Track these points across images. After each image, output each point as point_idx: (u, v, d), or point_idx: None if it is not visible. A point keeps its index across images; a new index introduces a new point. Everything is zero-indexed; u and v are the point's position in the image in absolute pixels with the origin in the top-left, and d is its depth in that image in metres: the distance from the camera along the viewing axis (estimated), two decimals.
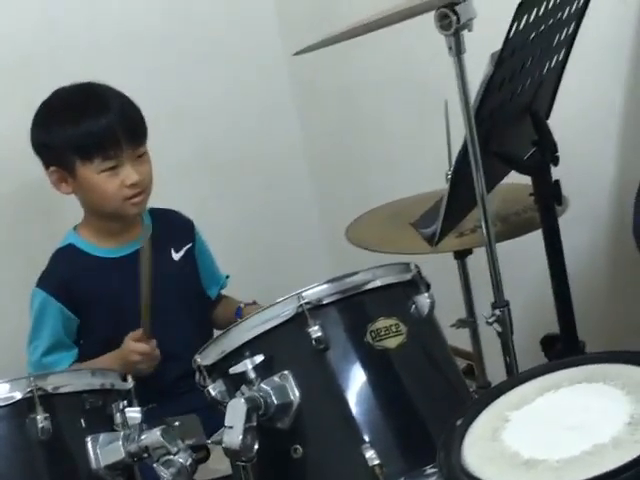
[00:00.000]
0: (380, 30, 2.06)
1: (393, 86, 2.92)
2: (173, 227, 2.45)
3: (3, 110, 2.74)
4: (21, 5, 2.75)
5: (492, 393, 1.57)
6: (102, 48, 2.84)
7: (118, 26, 2.89)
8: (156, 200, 2.41)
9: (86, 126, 2.26)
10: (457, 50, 1.82)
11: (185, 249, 2.43)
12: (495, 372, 2.33)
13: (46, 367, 2.27)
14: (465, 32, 1.83)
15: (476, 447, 1.46)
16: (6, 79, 2.74)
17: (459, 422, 1.51)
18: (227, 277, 2.54)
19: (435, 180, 2.33)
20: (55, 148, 2.29)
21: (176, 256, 2.41)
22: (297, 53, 2.02)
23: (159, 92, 2.79)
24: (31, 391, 1.66)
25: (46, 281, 2.33)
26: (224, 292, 2.54)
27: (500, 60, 1.87)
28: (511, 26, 1.83)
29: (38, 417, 1.65)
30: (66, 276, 2.33)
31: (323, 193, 3.18)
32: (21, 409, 1.66)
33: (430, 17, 1.93)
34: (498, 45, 1.88)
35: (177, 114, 2.90)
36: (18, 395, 1.66)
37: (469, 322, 2.40)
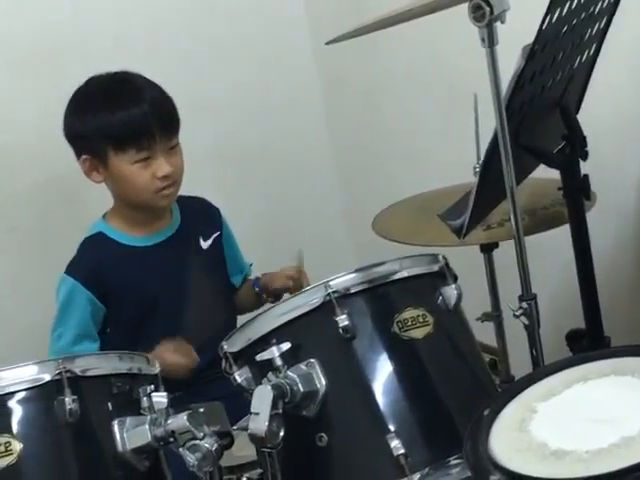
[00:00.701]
0: (408, 23, 2.06)
1: (420, 79, 2.92)
2: (201, 215, 2.45)
3: (31, 101, 2.75)
4: None
5: (520, 384, 1.57)
6: (129, 39, 2.85)
7: (145, 17, 2.89)
8: (184, 189, 2.42)
9: (120, 116, 2.26)
10: (490, 42, 1.81)
11: (213, 237, 2.43)
12: (519, 367, 2.33)
13: None
14: (497, 24, 1.83)
15: (503, 437, 1.46)
16: (35, 70, 2.76)
17: (486, 412, 1.51)
18: (251, 265, 2.55)
19: (461, 174, 2.33)
20: (88, 137, 2.29)
21: (204, 245, 2.42)
22: (329, 42, 2.02)
23: (186, 83, 2.79)
24: (59, 373, 1.66)
25: (75, 268, 2.32)
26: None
27: (532, 53, 1.87)
28: (544, 19, 1.83)
29: (66, 399, 1.65)
30: (95, 264, 2.33)
31: (349, 184, 3.18)
32: (49, 391, 1.66)
33: (459, 10, 1.93)
34: (529, 38, 1.88)
35: (204, 104, 2.90)
36: (47, 377, 1.67)
37: (494, 316, 2.40)
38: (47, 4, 2.76)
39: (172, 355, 2.22)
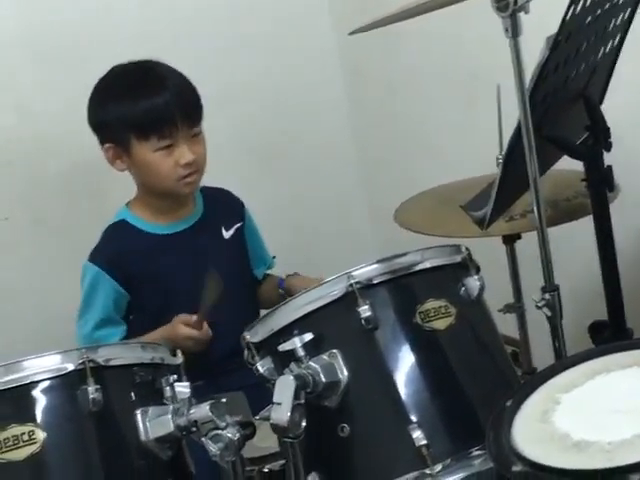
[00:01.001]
0: (430, 14, 2.06)
1: (443, 70, 2.91)
2: (224, 206, 2.46)
3: (55, 92, 2.78)
4: None
5: (542, 375, 1.57)
6: (152, 30, 2.87)
7: (168, 9, 2.91)
8: (205, 180, 2.42)
9: (143, 104, 2.27)
10: (513, 32, 1.81)
11: (235, 228, 2.44)
12: (540, 359, 2.33)
13: (96, 341, 2.29)
14: (521, 14, 1.82)
15: (526, 428, 1.46)
16: (58, 61, 2.78)
17: (509, 403, 1.51)
18: (274, 258, 2.55)
19: (483, 165, 2.33)
20: (111, 125, 2.30)
21: (226, 234, 2.43)
22: (352, 33, 2.02)
23: (209, 74, 2.80)
24: (83, 363, 1.67)
25: (98, 256, 2.34)
26: (270, 272, 2.56)
27: (555, 44, 1.86)
28: (568, 9, 1.83)
29: (89, 388, 1.66)
30: (117, 251, 2.34)
31: (371, 176, 3.18)
32: (73, 380, 1.67)
33: (482, 0, 1.93)
34: (553, 29, 1.87)
35: (227, 96, 2.91)
36: (70, 366, 1.67)
37: (516, 307, 2.40)
38: None
39: (185, 328, 2.23)
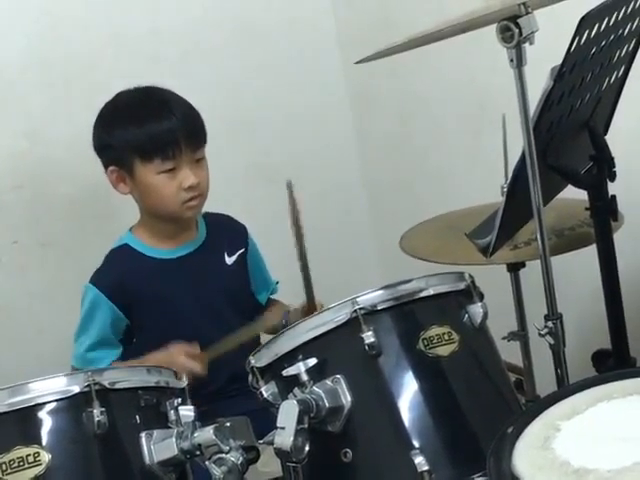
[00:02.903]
0: (438, 43, 2.08)
1: (449, 99, 2.94)
2: (227, 232, 2.47)
3: (64, 115, 2.80)
4: (85, 15, 2.81)
5: (544, 402, 1.57)
6: (162, 57, 2.89)
7: (178, 36, 2.93)
8: (210, 206, 2.44)
9: (148, 128, 2.28)
10: (518, 62, 1.83)
11: (238, 254, 2.45)
12: (544, 387, 2.33)
13: (89, 362, 2.30)
14: (526, 45, 1.84)
15: (526, 455, 1.46)
16: (68, 87, 2.80)
17: (510, 430, 1.51)
18: (277, 283, 2.56)
19: (488, 193, 2.34)
20: (115, 148, 2.32)
21: (229, 260, 2.43)
22: (359, 62, 2.04)
23: (216, 101, 2.83)
24: (89, 385, 1.68)
25: (100, 278, 2.35)
26: (274, 297, 2.56)
27: (560, 74, 1.88)
28: (572, 40, 1.84)
29: (95, 411, 1.66)
30: (119, 275, 2.36)
31: (377, 202, 3.19)
32: (79, 403, 1.68)
33: (488, 31, 1.95)
34: (558, 59, 1.89)
35: (233, 122, 2.93)
36: (76, 389, 1.68)
37: (520, 335, 2.41)
38: (81, 23, 2.81)
39: (185, 358, 2.22)
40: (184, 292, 2.36)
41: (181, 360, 2.22)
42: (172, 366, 2.11)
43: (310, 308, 2.19)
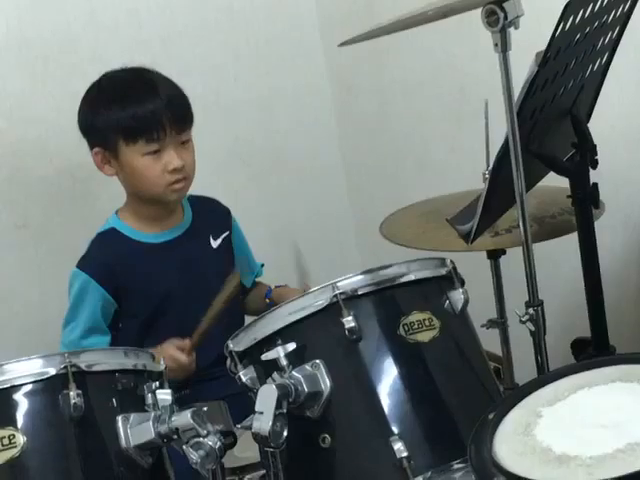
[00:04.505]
0: (420, 27, 2.07)
1: (430, 85, 2.92)
2: (211, 215, 2.46)
3: (42, 95, 2.77)
4: None
5: (525, 389, 1.57)
6: (143, 38, 2.87)
7: (157, 17, 2.91)
8: (190, 190, 2.42)
9: (133, 108, 2.27)
10: (503, 47, 1.82)
11: (223, 237, 2.45)
12: (522, 375, 2.33)
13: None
14: (511, 30, 1.83)
15: (508, 441, 1.46)
16: (46, 66, 2.77)
17: (491, 416, 1.51)
18: (262, 266, 2.55)
19: (470, 180, 2.34)
20: (100, 129, 2.31)
21: (214, 243, 2.43)
22: (342, 44, 2.02)
23: (195, 83, 2.80)
24: (65, 367, 1.67)
25: (87, 263, 2.34)
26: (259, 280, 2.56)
27: (544, 60, 1.87)
28: (557, 26, 1.83)
29: (71, 393, 1.65)
30: (107, 260, 2.34)
31: (357, 188, 3.19)
32: (55, 385, 1.67)
33: (470, 15, 1.94)
34: (542, 45, 1.88)
35: (213, 105, 2.91)
36: (52, 371, 1.67)
37: (499, 322, 2.40)
38: (60, 3, 2.78)
39: (175, 350, 2.23)
40: (171, 276, 2.36)
41: (171, 351, 2.22)
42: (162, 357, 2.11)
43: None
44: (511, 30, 1.83)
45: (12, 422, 1.64)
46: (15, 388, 1.66)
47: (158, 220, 2.38)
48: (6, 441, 1.62)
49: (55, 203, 2.81)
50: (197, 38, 2.96)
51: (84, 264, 2.34)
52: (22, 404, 1.66)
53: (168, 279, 2.34)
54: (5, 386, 1.66)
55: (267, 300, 2.43)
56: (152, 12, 2.90)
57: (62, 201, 2.80)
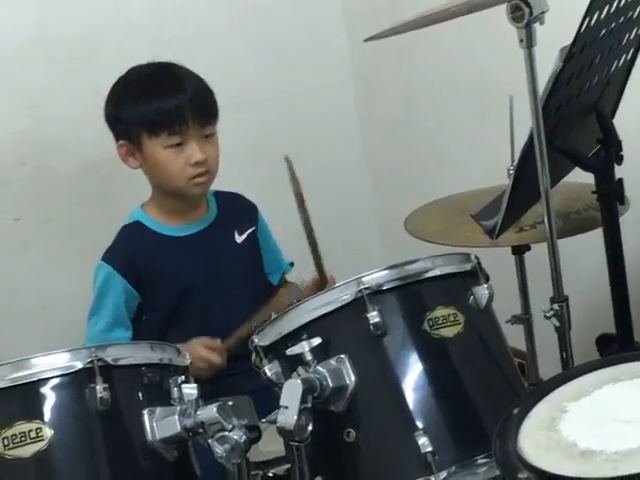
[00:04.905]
0: (444, 23, 2.07)
1: (454, 81, 2.93)
2: (237, 210, 2.46)
3: (67, 93, 2.79)
4: None
5: (550, 384, 1.57)
6: (168, 35, 2.89)
7: (182, 15, 2.93)
8: (213, 187, 2.43)
9: (157, 103, 2.28)
10: (528, 43, 1.82)
11: (248, 232, 2.45)
12: (547, 371, 2.33)
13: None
14: (536, 25, 1.83)
15: (532, 436, 1.46)
16: (72, 64, 2.79)
17: (516, 411, 1.51)
18: (291, 264, 2.54)
19: (494, 176, 2.33)
20: (125, 121, 2.32)
21: (239, 239, 2.43)
22: (367, 39, 2.03)
23: (223, 82, 2.81)
24: (91, 361, 1.67)
25: (112, 256, 2.35)
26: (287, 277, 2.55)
27: (570, 55, 1.87)
28: (582, 21, 1.83)
29: (97, 387, 1.66)
30: (131, 252, 2.35)
31: (381, 184, 3.19)
32: (81, 379, 1.67)
33: (493, 12, 1.94)
34: (567, 40, 1.88)
35: (237, 102, 2.91)
36: (79, 365, 1.67)
37: (524, 318, 2.40)
38: (85, 1, 2.80)
39: (205, 350, 2.23)
40: (195, 270, 2.36)
41: (201, 352, 2.22)
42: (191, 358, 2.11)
43: (322, 280, 2.19)
44: (536, 26, 1.83)
45: (39, 415, 1.64)
46: (42, 382, 1.66)
47: (182, 214, 2.39)
48: (33, 434, 1.63)
49: (80, 199, 2.83)
50: (221, 35, 2.97)
51: (108, 256, 2.35)
52: (49, 398, 1.66)
53: (191, 273, 2.35)
54: (32, 380, 1.66)
55: (294, 301, 2.41)
56: (177, 9, 2.91)
57: (87, 197, 2.82)
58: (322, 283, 2.24)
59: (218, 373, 2.27)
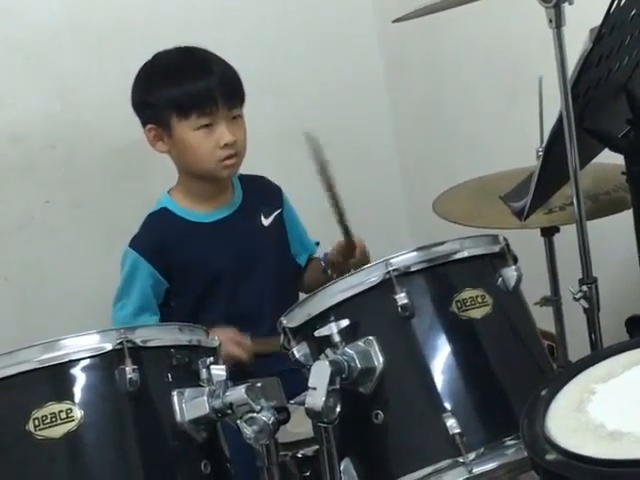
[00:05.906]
0: (472, 5, 2.06)
1: (483, 62, 2.92)
2: (262, 193, 2.47)
3: (97, 77, 2.81)
4: None
5: (579, 365, 1.56)
6: (197, 17, 2.89)
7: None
8: (242, 171, 2.44)
9: (187, 86, 2.29)
10: (557, 23, 1.81)
11: (274, 215, 2.45)
12: (576, 353, 2.32)
13: None
14: (565, 5, 1.82)
15: (560, 417, 1.45)
16: (103, 48, 2.81)
17: (544, 392, 1.50)
18: (317, 244, 2.55)
19: (523, 157, 2.32)
20: (153, 105, 2.33)
21: (265, 222, 2.44)
22: (396, 20, 2.02)
23: (250, 65, 2.81)
24: (121, 343, 1.68)
25: (139, 242, 2.36)
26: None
27: (599, 36, 1.86)
28: (612, 2, 1.82)
29: (127, 369, 1.67)
30: (158, 239, 2.36)
31: (410, 166, 3.18)
32: (111, 360, 1.68)
33: None
34: (596, 21, 1.87)
35: (266, 87, 2.92)
36: (108, 346, 1.68)
37: (553, 300, 2.39)
38: None
39: (233, 346, 2.23)
40: (222, 255, 2.36)
41: (230, 348, 2.21)
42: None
43: (349, 244, 2.18)
44: (565, 5, 1.81)
45: (69, 396, 1.66)
46: (72, 363, 1.67)
47: (209, 198, 2.40)
48: (63, 415, 1.64)
49: (109, 183, 2.85)
50: (249, 19, 2.97)
51: (135, 243, 2.36)
52: (79, 379, 1.68)
53: (219, 258, 2.35)
54: (62, 361, 1.67)
55: (322, 265, 2.40)
56: None
57: (116, 180, 2.84)
58: (350, 247, 2.24)
59: (240, 366, 2.26)
